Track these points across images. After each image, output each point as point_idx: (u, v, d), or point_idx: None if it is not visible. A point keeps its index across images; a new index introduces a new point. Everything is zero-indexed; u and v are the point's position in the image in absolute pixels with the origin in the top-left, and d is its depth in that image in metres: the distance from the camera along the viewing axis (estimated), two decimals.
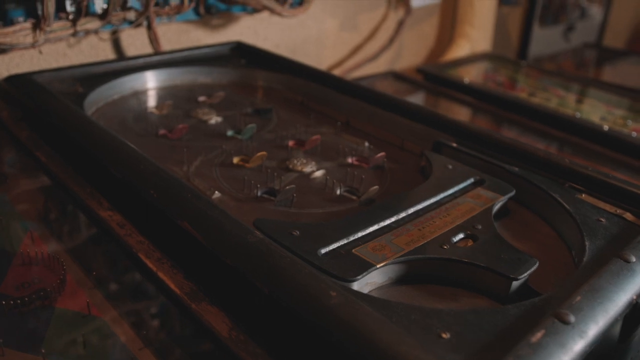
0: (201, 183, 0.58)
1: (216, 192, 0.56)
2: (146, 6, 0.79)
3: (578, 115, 1.02)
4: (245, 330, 0.41)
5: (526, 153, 0.61)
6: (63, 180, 0.58)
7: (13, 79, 0.71)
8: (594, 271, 0.43)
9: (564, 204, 0.54)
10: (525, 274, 0.45)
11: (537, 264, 0.45)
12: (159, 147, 0.65)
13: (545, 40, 1.61)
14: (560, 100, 1.11)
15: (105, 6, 0.77)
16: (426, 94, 1.13)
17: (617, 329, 0.43)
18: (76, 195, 0.56)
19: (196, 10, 0.90)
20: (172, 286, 0.45)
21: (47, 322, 0.46)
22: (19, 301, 0.46)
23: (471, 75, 1.19)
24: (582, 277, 0.42)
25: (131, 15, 0.78)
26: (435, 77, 1.13)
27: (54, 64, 0.82)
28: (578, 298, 0.39)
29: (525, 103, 1.03)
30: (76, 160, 0.60)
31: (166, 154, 0.63)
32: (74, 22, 0.73)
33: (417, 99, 1.11)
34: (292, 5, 0.93)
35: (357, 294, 0.40)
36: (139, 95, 0.79)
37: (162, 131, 0.68)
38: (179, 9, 0.83)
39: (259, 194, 0.57)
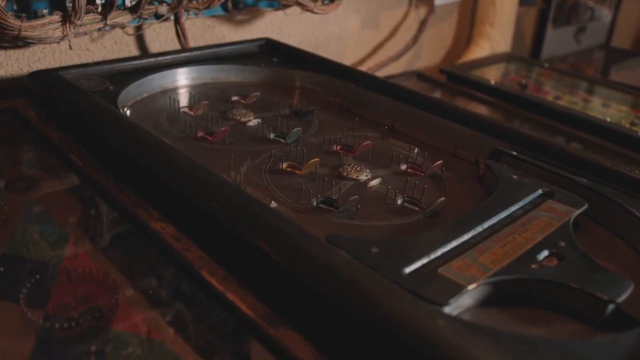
0: (255, 192, 0.54)
1: (272, 202, 0.52)
2: (179, 0, 0.74)
3: (608, 120, 0.99)
4: (332, 358, 0.37)
5: (592, 164, 0.58)
6: (105, 187, 0.54)
7: (38, 76, 0.67)
8: None
9: None
10: (623, 297, 0.42)
11: (632, 287, 0.43)
12: (201, 151, 0.61)
13: (558, 41, 1.59)
14: (586, 104, 1.09)
15: None
16: (450, 95, 1.10)
17: None
18: (122, 203, 0.52)
19: (224, 5, 0.86)
20: (245, 308, 0.41)
21: (104, 346, 0.42)
22: (73, 323, 0.42)
23: (493, 76, 1.17)
24: None
25: (163, 9, 0.74)
26: (459, 78, 1.10)
27: (76, 60, 0.78)
28: None
29: (553, 107, 1.00)
30: (117, 165, 0.56)
31: (210, 159, 0.60)
32: (104, 15, 0.69)
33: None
34: (323, 2, 0.89)
35: (465, 323, 0.37)
36: (169, 93, 0.74)
37: (200, 133, 0.64)
38: (208, 3, 0.79)
39: (317, 204, 0.53)
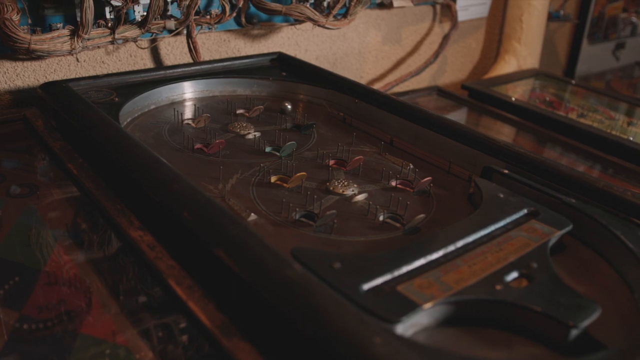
0: (237, 204, 0.55)
1: (252, 214, 0.53)
2: (187, 15, 0.77)
3: (631, 138, 0.97)
4: None
5: (583, 183, 0.57)
6: (94, 194, 0.56)
7: (48, 86, 0.70)
8: None
9: (627, 241, 0.50)
10: (586, 322, 0.41)
11: (599, 311, 0.41)
12: (195, 163, 0.62)
13: (594, 57, 1.55)
14: (612, 122, 1.06)
15: (144, 14, 0.75)
16: (470, 111, 1.08)
17: None
18: (106, 211, 0.53)
19: (237, 20, 0.87)
20: (203, 318, 0.42)
21: (69, 349, 0.43)
22: (41, 325, 0.44)
23: (518, 93, 1.15)
24: None
25: (171, 24, 0.76)
26: (480, 94, 1.09)
27: (92, 72, 0.81)
28: None
29: (574, 124, 0.98)
30: (109, 174, 0.58)
31: (202, 170, 0.61)
32: (113, 29, 0.71)
33: (460, 116, 1.07)
34: (336, 17, 0.90)
35: (404, 341, 0.36)
36: (176, 106, 0.76)
37: (198, 145, 0.65)
38: (220, 18, 0.81)
39: (297, 217, 0.54)
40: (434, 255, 0.46)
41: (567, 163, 0.92)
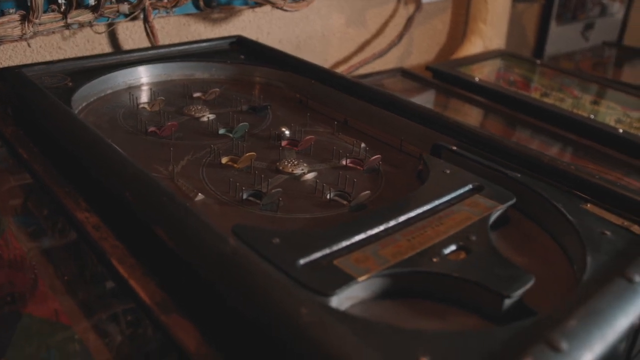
0: (185, 184, 0.55)
1: (199, 194, 0.53)
2: None
3: (592, 117, 0.98)
4: (215, 346, 0.38)
5: (530, 158, 0.58)
6: (42, 177, 0.56)
7: (1, 72, 0.69)
8: (594, 291, 0.40)
9: (567, 214, 0.51)
10: (519, 292, 0.41)
11: (532, 281, 0.42)
12: (147, 146, 0.62)
13: (563, 38, 1.56)
14: (575, 100, 1.07)
15: None
16: (435, 92, 1.09)
17: (617, 356, 0.39)
18: (54, 194, 0.53)
19: (195, 3, 0.87)
20: (143, 295, 0.42)
21: (12, 329, 0.44)
22: None
23: (483, 73, 1.16)
24: (581, 298, 0.39)
25: (124, 7, 0.76)
26: (444, 75, 1.09)
27: (48, 57, 0.80)
28: (574, 322, 0.36)
29: (536, 103, 0.99)
30: (58, 158, 0.58)
31: (153, 152, 0.61)
32: (65, 14, 0.71)
33: (425, 97, 1.08)
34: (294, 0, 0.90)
35: (331, 311, 0.37)
36: (133, 90, 0.76)
37: (151, 128, 0.65)
38: (176, 2, 0.81)
39: (244, 196, 0.54)
40: (374, 230, 0.46)
41: (529, 142, 0.93)
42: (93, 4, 0.74)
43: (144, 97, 0.75)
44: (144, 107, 0.72)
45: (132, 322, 0.45)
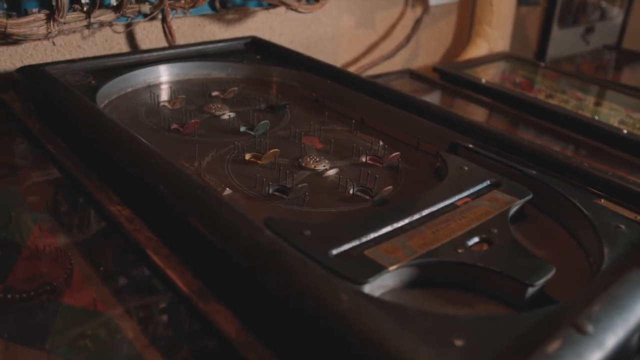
0: (212, 179, 0.57)
1: (227, 189, 0.55)
2: None
3: (596, 118, 1.00)
4: (253, 331, 0.40)
5: (544, 156, 0.60)
6: (73, 172, 0.57)
7: (25, 70, 0.71)
8: (613, 280, 0.42)
9: (583, 209, 0.53)
10: (541, 281, 0.43)
11: (553, 271, 0.44)
12: (171, 142, 0.64)
13: (564, 41, 1.58)
14: (579, 102, 1.09)
15: None
16: (442, 93, 1.11)
17: (636, 340, 0.41)
18: (85, 188, 0.55)
19: (212, 4, 0.89)
20: (180, 284, 0.44)
21: (52, 317, 0.45)
22: (24, 295, 0.45)
23: (488, 75, 1.18)
24: (601, 286, 0.41)
25: (145, 8, 0.77)
26: (451, 77, 1.11)
27: (68, 56, 0.82)
28: (597, 307, 0.38)
29: (542, 104, 1.01)
30: (87, 153, 0.59)
31: (178, 149, 0.63)
32: (88, 14, 0.72)
33: (433, 98, 1.10)
34: (308, 1, 0.92)
35: (369, 298, 0.39)
36: (152, 89, 0.78)
37: (174, 126, 0.67)
38: (194, 3, 0.83)
39: (270, 191, 0.56)
40: (400, 223, 0.48)
41: (537, 142, 0.95)
42: (115, 4, 0.76)
43: (164, 95, 0.77)
44: (164, 105, 0.73)
45: (165, 310, 0.47)
